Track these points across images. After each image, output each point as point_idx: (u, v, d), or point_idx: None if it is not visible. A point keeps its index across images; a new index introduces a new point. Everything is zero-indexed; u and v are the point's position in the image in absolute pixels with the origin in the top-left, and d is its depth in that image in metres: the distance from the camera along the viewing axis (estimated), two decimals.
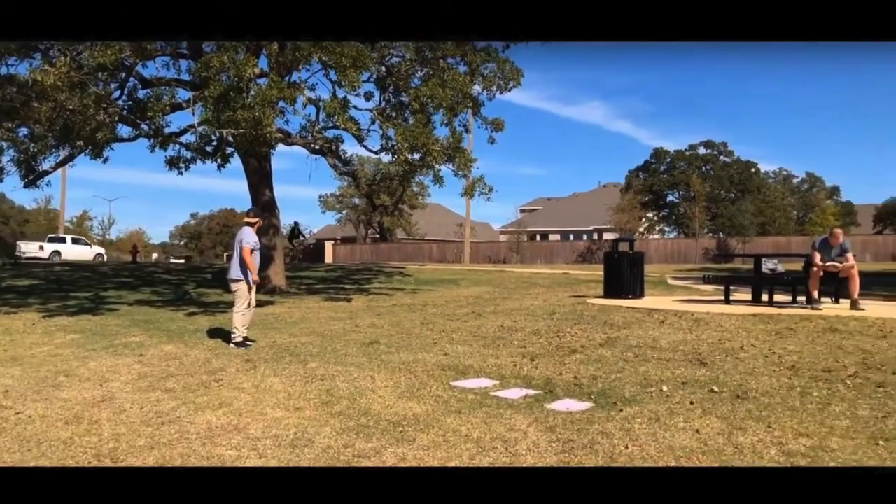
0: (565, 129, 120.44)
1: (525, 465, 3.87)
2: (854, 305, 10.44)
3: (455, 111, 14.03)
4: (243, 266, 8.31)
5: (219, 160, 13.81)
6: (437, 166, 14.03)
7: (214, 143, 13.60)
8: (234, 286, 8.45)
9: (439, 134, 13.98)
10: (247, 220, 8.83)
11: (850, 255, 10.83)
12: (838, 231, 11.09)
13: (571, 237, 60.06)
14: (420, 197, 51.93)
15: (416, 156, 13.40)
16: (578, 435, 4.36)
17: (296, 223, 33.70)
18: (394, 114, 14.26)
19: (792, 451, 3.97)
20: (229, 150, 13.82)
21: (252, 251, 8.36)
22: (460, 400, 5.31)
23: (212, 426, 4.78)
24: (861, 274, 11.30)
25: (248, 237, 8.44)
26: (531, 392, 5.55)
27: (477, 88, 15.70)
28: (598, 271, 14.24)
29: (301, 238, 32.22)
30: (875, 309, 10.43)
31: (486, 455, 4.02)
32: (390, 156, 14.31)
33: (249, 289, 8.37)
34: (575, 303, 11.92)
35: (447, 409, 5.02)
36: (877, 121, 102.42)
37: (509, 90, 15.87)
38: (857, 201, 69.18)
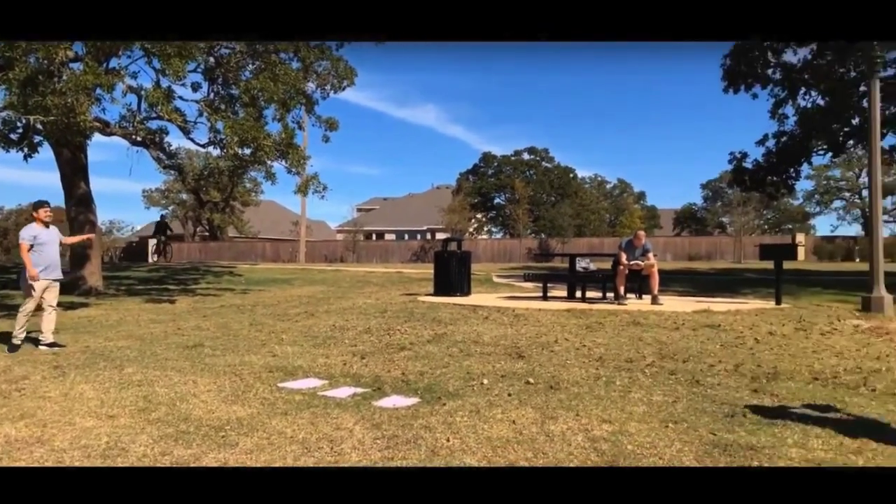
0: (400, 131, 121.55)
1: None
2: (654, 300, 11.36)
3: (288, 107, 13.71)
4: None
5: (25, 149, 12.60)
6: (269, 162, 13.66)
7: (20, 130, 12.42)
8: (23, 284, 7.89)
9: (271, 129, 13.62)
10: (34, 214, 8.18)
11: (651, 255, 11.77)
12: (641, 233, 12.04)
13: (406, 237, 60.70)
14: (253, 194, 50.27)
15: (247, 151, 12.96)
16: (403, 430, 4.42)
17: (162, 216, 30.88)
18: (223, 106, 13.68)
19: (596, 437, 4.25)
20: (38, 138, 12.66)
21: (31, 247, 7.76)
22: (287, 401, 5.21)
23: (10, 439, 4.37)
24: (661, 272, 12.30)
25: (24, 232, 7.85)
26: (360, 390, 5.56)
27: (311, 86, 15.46)
28: (430, 270, 14.49)
29: (169, 233, 29.22)
30: (672, 303, 11.40)
31: (311, 455, 3.98)
32: (219, 150, 13.74)
33: (30, 287, 7.76)
34: (406, 301, 12.06)
35: (273, 412, 4.92)
36: (677, 133, 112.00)
37: (343, 89, 15.80)
38: (660, 206, 75.12)
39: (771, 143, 20.73)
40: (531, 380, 5.84)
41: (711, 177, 66.86)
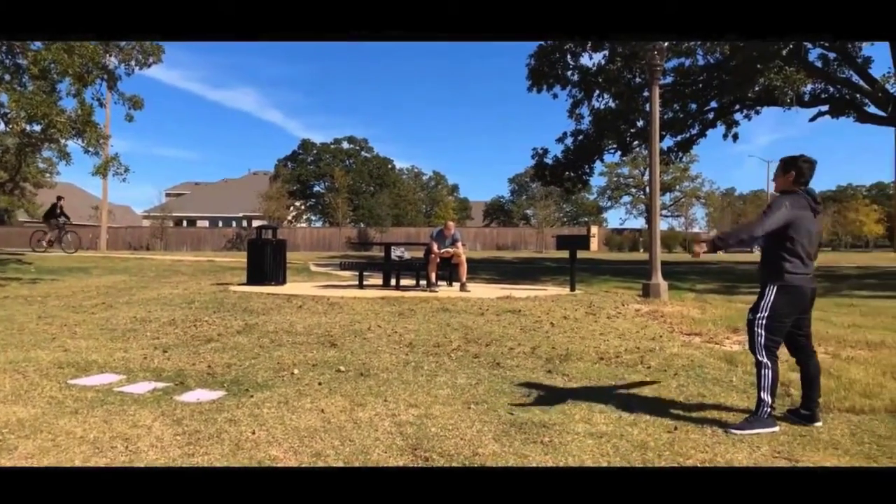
0: (216, 114, 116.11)
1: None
2: (462, 287, 11.73)
3: (85, 81, 12.56)
4: None
5: None
6: (63, 141, 12.48)
7: None
8: None
9: (66, 105, 12.44)
10: None
11: (460, 244, 12.14)
12: (451, 224, 12.39)
13: (220, 224, 58.17)
14: (48, 175, 45.82)
15: (37, 127, 11.73)
16: (206, 425, 4.21)
17: (59, 198, 25.37)
18: (8, 77, 12.28)
19: (402, 422, 4.31)
20: None
21: None
22: (78, 399, 4.79)
23: None
24: (471, 260, 12.73)
25: None
26: (160, 385, 5.23)
27: (114, 60, 14.30)
28: (244, 258, 13.97)
29: (61, 218, 23.16)
30: (479, 290, 11.83)
31: (102, 456, 3.68)
32: (3, 125, 12.32)
33: None
34: (217, 290, 11.55)
35: (61, 411, 4.49)
36: (488, 129, 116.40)
37: (149, 66, 14.78)
38: (472, 198, 77.75)
39: (569, 140, 22.14)
40: (342, 368, 5.80)
41: (518, 171, 70.34)
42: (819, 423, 4.22)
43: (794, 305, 4.18)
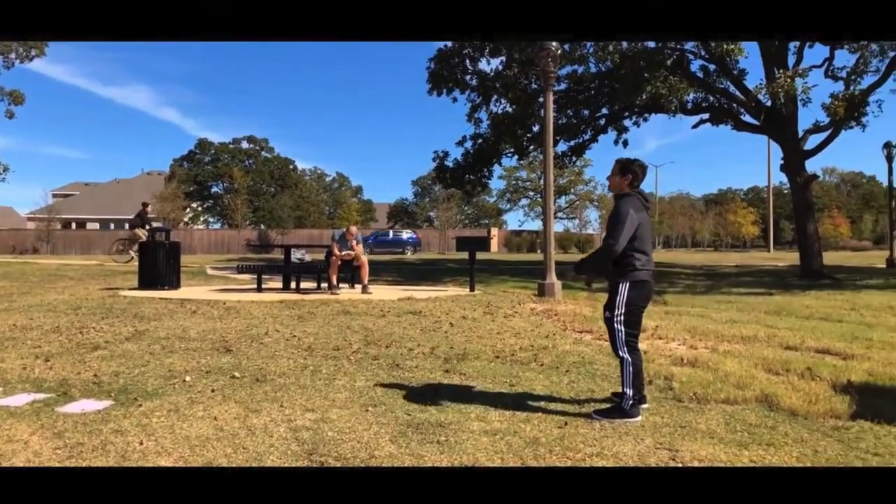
0: (107, 112, 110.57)
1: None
2: (364, 290, 11.66)
3: None
4: None
5: None
6: None
7: None
8: None
9: None
10: None
11: (360, 247, 12.06)
12: (353, 227, 12.29)
13: (112, 226, 55.43)
14: None
15: None
16: (90, 437, 3.99)
17: (144, 204, 21.55)
18: None
19: (298, 427, 4.22)
20: None
21: None
22: None
23: None
24: (373, 262, 12.66)
25: None
26: (41, 396, 4.92)
27: None
28: (135, 261, 13.35)
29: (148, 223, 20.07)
30: (380, 292, 11.79)
31: None
32: None
33: None
34: (106, 296, 10.99)
35: None
36: (392, 131, 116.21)
37: (31, 59, 13.93)
38: (376, 200, 77.44)
39: (468, 144, 22.38)
40: (237, 374, 5.64)
41: (421, 174, 70.60)
42: (647, 405, 4.53)
43: (644, 299, 4.46)
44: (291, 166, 62.08)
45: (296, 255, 13.41)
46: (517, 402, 4.77)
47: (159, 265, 12.18)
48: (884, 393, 4.93)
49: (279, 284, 13.02)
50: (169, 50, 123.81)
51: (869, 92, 17.48)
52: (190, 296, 10.99)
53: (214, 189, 58.23)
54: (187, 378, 5.49)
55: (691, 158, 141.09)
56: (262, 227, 50.29)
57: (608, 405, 4.54)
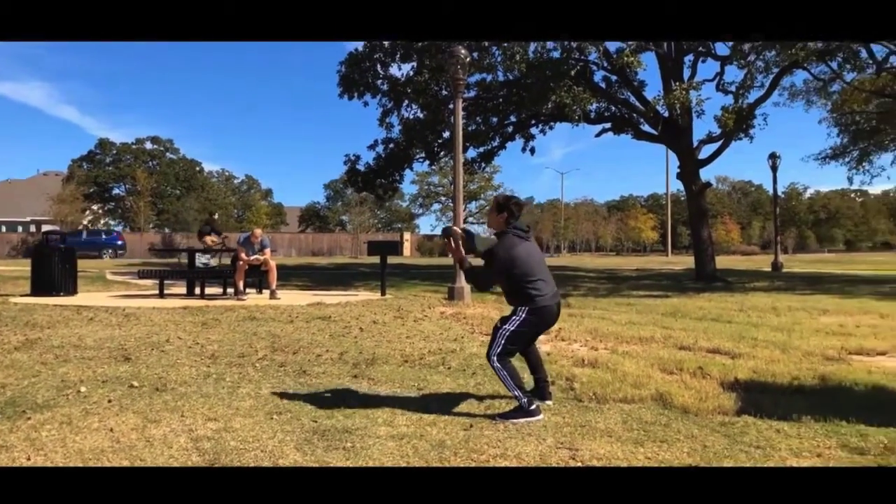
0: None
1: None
2: (272, 295, 11.43)
3: None
4: None
5: None
6: None
7: None
8: None
9: None
10: None
11: (268, 251, 11.82)
12: (258, 230, 12.04)
13: (4, 229, 52.17)
14: None
15: None
16: None
17: (210, 215, 20.53)
18: None
19: (199, 437, 4.09)
20: None
21: None
22: None
23: None
24: (284, 267, 12.43)
25: None
26: None
27: None
28: (29, 267, 12.61)
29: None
30: (290, 297, 11.59)
31: None
32: None
33: None
34: None
35: None
36: (304, 133, 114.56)
37: None
38: (287, 203, 76.06)
39: (380, 148, 22.36)
40: (136, 383, 5.40)
41: (334, 177, 69.85)
42: (550, 402, 4.69)
43: (542, 323, 4.58)
44: (198, 168, 60.20)
45: (201, 259, 12.99)
46: (425, 405, 4.78)
47: (54, 270, 11.55)
48: (766, 389, 5.23)
49: (183, 290, 12.58)
50: (67, 45, 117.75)
51: (756, 105, 18.54)
52: (87, 302, 10.47)
53: (116, 191, 55.76)
54: (82, 388, 5.22)
55: (595, 166, 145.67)
56: (167, 230, 48.48)
57: (509, 408, 4.61)
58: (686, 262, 33.37)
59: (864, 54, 17.68)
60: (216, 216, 21.31)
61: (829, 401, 4.83)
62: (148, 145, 57.60)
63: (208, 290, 12.18)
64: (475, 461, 3.66)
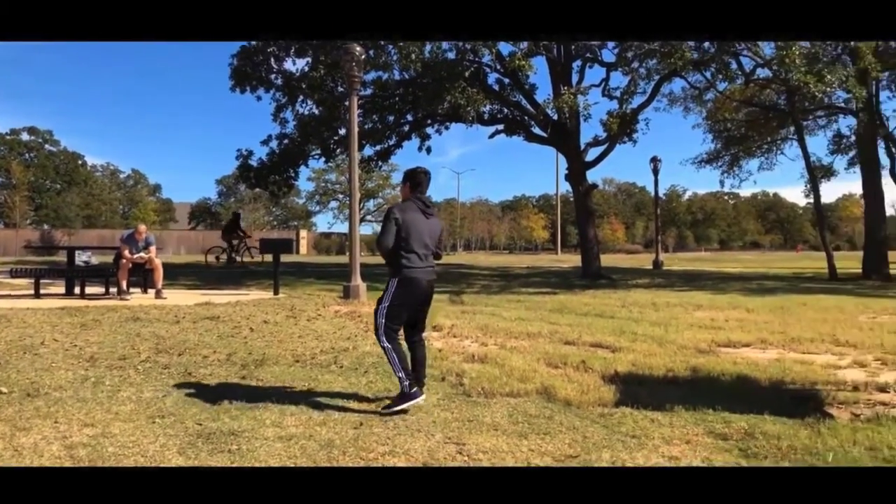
0: None
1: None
2: (158, 294, 10.95)
3: None
4: None
5: None
6: None
7: None
8: None
9: None
10: None
11: (153, 249, 11.32)
12: (142, 227, 11.51)
13: None
14: None
15: None
16: None
17: (235, 214, 23.05)
18: None
19: (74, 444, 3.86)
20: None
21: None
22: None
23: None
24: (172, 266, 11.93)
25: None
26: None
27: None
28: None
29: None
30: (177, 297, 11.14)
31: None
32: None
33: None
34: None
35: None
36: (194, 126, 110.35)
37: None
38: (176, 199, 73.06)
39: (274, 143, 21.83)
40: (5, 389, 5.04)
41: (226, 173, 67.64)
42: (423, 400, 4.71)
43: (413, 295, 4.67)
44: (80, 161, 56.86)
45: (81, 257, 12.28)
46: (315, 405, 4.72)
47: None
48: (643, 381, 5.49)
49: (62, 290, 11.84)
50: None
51: (639, 111, 19.40)
52: None
53: None
54: None
55: (490, 166, 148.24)
56: (46, 226, 45.49)
57: (389, 401, 4.66)
58: (574, 260, 34.52)
59: (734, 65, 18.84)
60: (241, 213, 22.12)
61: (699, 391, 5.14)
62: (24, 136, 53.83)
63: (89, 290, 11.52)
64: (364, 460, 3.64)
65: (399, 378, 4.53)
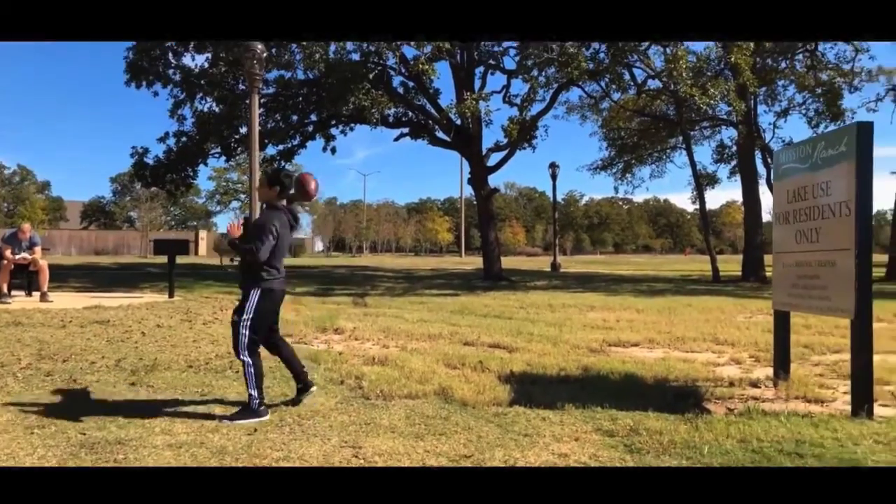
0: None
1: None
2: (43, 298, 10.33)
3: None
4: None
5: None
6: None
7: None
8: None
9: None
10: None
11: (38, 249, 10.68)
12: (26, 226, 10.84)
13: None
14: None
15: None
16: None
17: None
18: None
19: None
20: None
21: None
22: None
23: None
24: (60, 267, 11.29)
25: None
26: None
27: None
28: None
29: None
30: (64, 300, 10.55)
31: None
32: None
33: None
34: None
35: None
36: (87, 122, 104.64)
37: None
38: (67, 197, 69.07)
39: (171, 141, 21.03)
40: None
41: (121, 170, 64.47)
42: (315, 388, 4.77)
43: (274, 305, 4.65)
44: None
45: None
46: (208, 411, 4.57)
47: None
48: (537, 380, 5.64)
49: None
50: None
51: (538, 118, 19.93)
52: None
53: None
54: None
55: (396, 169, 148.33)
56: None
57: (236, 409, 4.53)
58: (477, 262, 34.98)
59: (627, 76, 19.66)
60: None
61: (589, 389, 5.32)
62: None
63: None
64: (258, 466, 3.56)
65: (251, 395, 4.41)
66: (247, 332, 4.43)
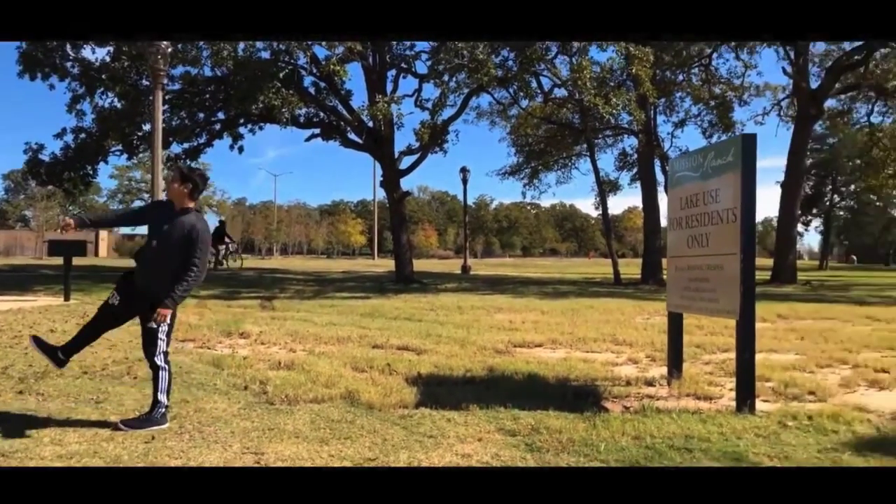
0: None
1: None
2: None
3: None
4: None
5: None
6: None
7: None
8: None
9: None
10: None
11: None
12: None
13: None
14: None
15: None
16: None
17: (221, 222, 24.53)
18: None
19: None
20: None
21: None
22: None
23: None
24: None
25: None
26: None
27: None
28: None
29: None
30: None
31: None
32: None
33: None
34: None
35: None
36: None
37: None
38: None
39: (69, 137, 19.93)
40: None
41: (15, 167, 60.50)
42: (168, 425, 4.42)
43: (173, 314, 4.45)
44: None
45: None
46: (103, 420, 4.38)
47: None
48: (443, 382, 5.69)
49: None
50: None
51: (449, 122, 20.04)
52: None
53: None
54: None
55: (308, 170, 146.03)
56: None
57: (139, 415, 4.37)
58: (389, 265, 34.85)
59: (534, 84, 20.08)
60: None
61: (494, 389, 5.41)
62: None
63: None
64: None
65: (160, 401, 4.28)
66: (165, 339, 4.35)
